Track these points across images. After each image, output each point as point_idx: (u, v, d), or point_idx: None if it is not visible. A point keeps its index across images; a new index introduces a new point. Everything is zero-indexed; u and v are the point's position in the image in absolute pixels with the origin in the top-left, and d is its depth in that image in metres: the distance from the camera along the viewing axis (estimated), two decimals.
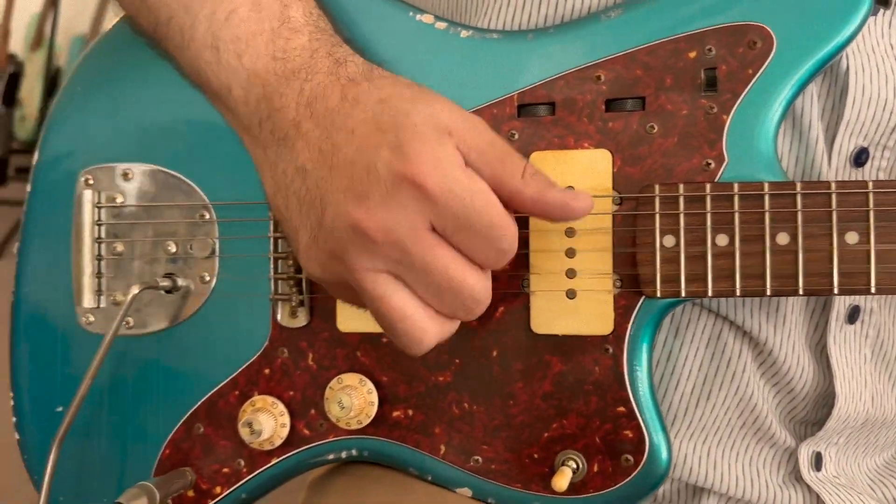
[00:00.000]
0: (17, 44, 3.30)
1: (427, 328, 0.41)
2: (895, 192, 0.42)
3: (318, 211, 0.41)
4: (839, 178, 0.48)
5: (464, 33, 0.49)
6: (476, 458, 0.49)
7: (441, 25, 0.50)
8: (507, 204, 0.40)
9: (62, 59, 3.20)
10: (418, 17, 0.50)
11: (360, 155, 0.39)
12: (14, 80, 2.76)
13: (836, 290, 0.43)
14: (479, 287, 0.41)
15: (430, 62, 0.49)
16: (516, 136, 0.48)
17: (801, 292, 0.43)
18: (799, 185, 0.43)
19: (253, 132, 0.46)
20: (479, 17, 0.51)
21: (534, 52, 0.48)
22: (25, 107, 3.14)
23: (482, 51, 0.49)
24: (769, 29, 0.45)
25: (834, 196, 0.43)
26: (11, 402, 0.57)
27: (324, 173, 0.41)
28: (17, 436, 0.57)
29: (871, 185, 0.42)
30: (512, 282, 0.48)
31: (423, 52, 0.49)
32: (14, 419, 0.57)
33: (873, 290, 0.42)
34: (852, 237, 0.43)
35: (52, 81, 3.10)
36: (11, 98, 2.81)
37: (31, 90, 3.12)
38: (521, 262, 0.47)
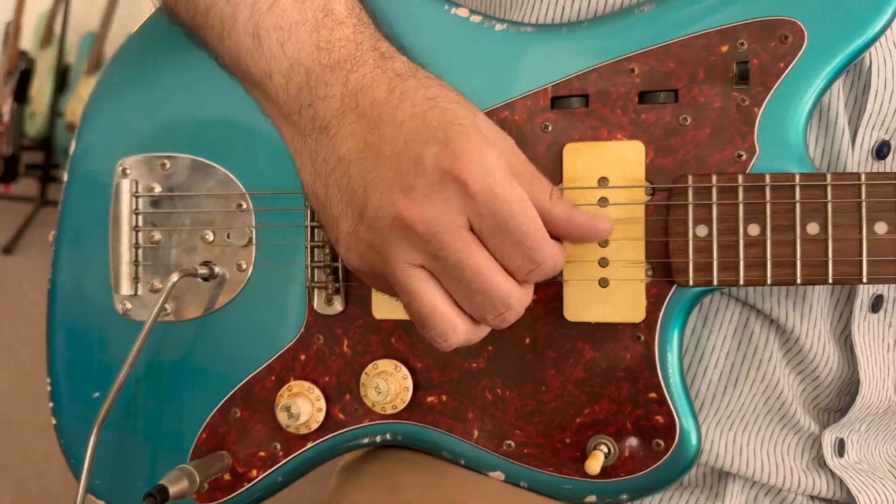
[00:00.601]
0: (27, 41, 3.31)
1: (456, 326, 0.42)
2: None
3: (361, 200, 0.42)
4: (861, 170, 0.49)
5: (498, 27, 0.50)
6: (509, 442, 0.50)
7: (476, 19, 0.51)
8: None
9: (72, 56, 3.21)
10: (453, 10, 0.51)
11: (408, 148, 0.40)
12: (25, 77, 2.77)
13: (864, 280, 0.44)
14: (509, 292, 0.41)
15: (465, 55, 0.50)
16: (550, 128, 0.49)
17: (830, 281, 0.44)
18: (829, 177, 0.44)
19: (293, 119, 0.47)
20: (515, 11, 0.52)
21: (568, 45, 0.49)
22: (35, 103, 3.15)
23: (516, 44, 0.50)
24: (800, 24, 0.46)
25: (864, 188, 0.44)
26: (49, 388, 0.58)
27: (369, 164, 0.42)
28: (53, 421, 0.58)
29: None
30: None
31: (459, 45, 0.50)
32: (51, 405, 0.58)
33: None
34: (881, 227, 0.44)
35: (62, 78, 3.11)
36: (23, 95, 2.82)
37: (40, 87, 3.13)
38: None
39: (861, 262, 0.44)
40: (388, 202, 0.40)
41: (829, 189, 0.44)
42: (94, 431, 0.51)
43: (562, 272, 0.48)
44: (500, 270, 0.41)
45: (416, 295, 0.41)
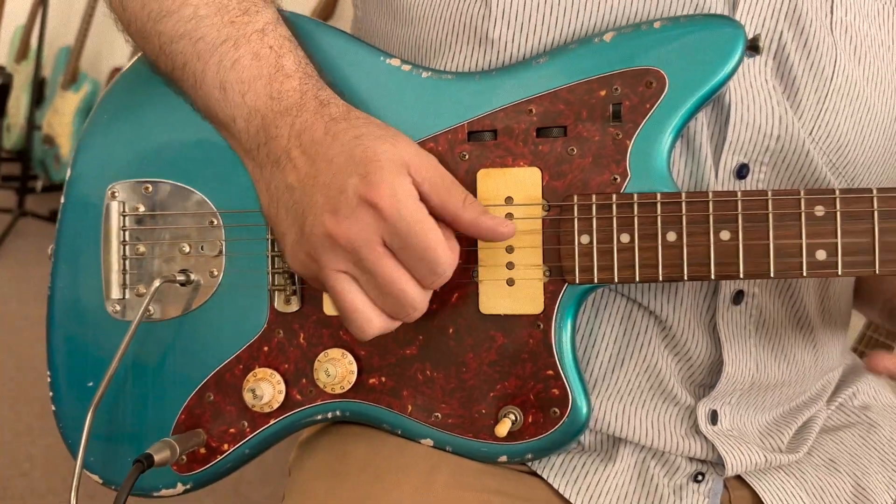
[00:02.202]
0: (3, 55, 3.37)
1: (371, 320, 0.53)
2: (758, 200, 0.55)
3: (301, 219, 0.53)
4: (725, 189, 0.60)
5: (424, 74, 0.61)
6: (436, 414, 0.61)
7: (406, 67, 0.62)
8: (451, 224, 0.52)
9: (48, 70, 3.28)
10: (388, 60, 0.62)
11: (336, 179, 0.51)
12: (3, 91, 2.84)
13: (713, 277, 0.55)
14: (415, 297, 0.52)
15: (398, 97, 0.61)
16: (467, 157, 0.60)
17: (685, 278, 0.55)
18: (684, 195, 0.55)
19: (252, 154, 0.57)
20: (438, 61, 0.63)
21: (480, 90, 0.60)
22: (12, 116, 3.22)
23: (439, 88, 0.61)
24: (663, 72, 0.57)
25: (711, 203, 0.55)
26: (49, 380, 0.68)
27: (307, 191, 0.52)
28: (52, 408, 0.68)
29: (739, 194, 0.55)
30: (464, 273, 0.59)
31: (393, 89, 0.61)
32: (51, 394, 0.68)
33: (741, 275, 0.55)
34: (725, 234, 0.55)
35: (38, 91, 3.18)
36: (2, 109, 2.89)
37: (17, 100, 3.20)
38: (472, 257, 0.59)
39: (710, 263, 0.55)
40: (320, 221, 0.51)
41: (683, 205, 0.55)
42: (91, 412, 0.61)
43: (477, 274, 0.59)
44: (408, 278, 0.51)
45: (340, 294, 0.52)
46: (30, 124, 3.11)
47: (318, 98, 0.55)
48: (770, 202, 0.54)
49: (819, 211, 0.53)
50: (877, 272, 0.53)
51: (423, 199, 0.51)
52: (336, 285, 0.52)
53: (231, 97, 0.56)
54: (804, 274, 0.54)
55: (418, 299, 0.52)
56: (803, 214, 0.53)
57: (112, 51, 3.14)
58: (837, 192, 0.53)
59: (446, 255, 0.51)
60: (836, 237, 0.53)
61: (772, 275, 0.54)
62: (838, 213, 0.53)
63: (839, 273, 0.53)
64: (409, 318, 0.53)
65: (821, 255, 0.53)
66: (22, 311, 2.55)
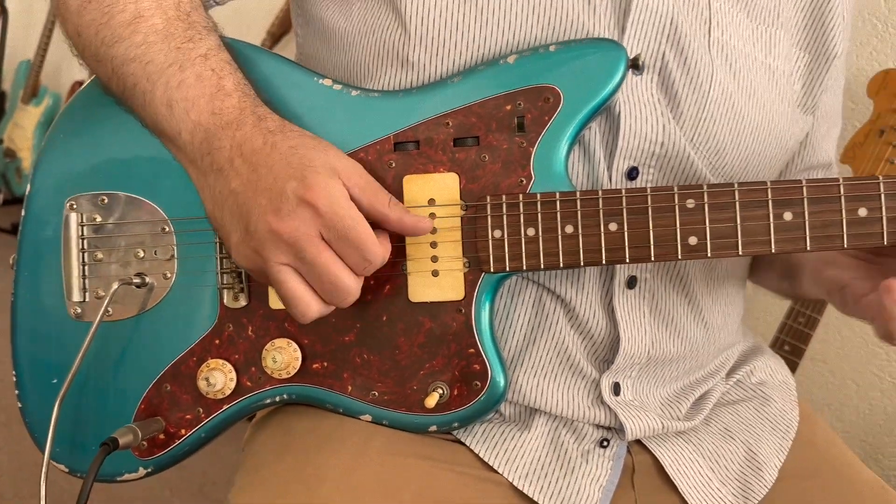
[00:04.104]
0: None
1: (311, 305, 0.60)
2: (639, 196, 0.64)
3: (245, 219, 0.60)
4: (618, 188, 0.70)
5: (353, 92, 0.69)
6: (374, 392, 0.68)
7: (337, 87, 0.70)
8: (379, 223, 0.60)
9: (7, 84, 3.25)
10: (321, 80, 0.70)
11: (276, 183, 0.58)
12: None
13: (604, 262, 0.64)
14: (348, 283, 0.59)
15: (329, 113, 0.69)
16: (393, 165, 0.68)
17: (582, 264, 0.65)
18: (578, 194, 0.65)
19: (196, 164, 0.64)
20: (367, 81, 0.71)
21: (403, 106, 0.68)
22: None
23: (367, 105, 0.69)
24: (558, 89, 0.66)
25: (601, 200, 0.65)
26: (14, 380, 0.73)
27: (250, 194, 0.60)
28: (19, 405, 0.73)
29: (624, 191, 0.64)
30: (395, 266, 0.68)
31: (324, 106, 0.69)
32: (17, 392, 0.73)
33: (627, 260, 0.64)
34: (613, 226, 0.64)
35: None
36: None
37: None
38: (401, 252, 0.67)
39: (601, 250, 0.65)
40: (264, 220, 0.58)
41: (578, 202, 0.65)
42: (57, 406, 0.67)
43: (406, 267, 0.68)
44: (343, 267, 0.59)
45: (283, 284, 0.60)
46: None
47: (256, 114, 0.63)
48: (649, 197, 0.64)
49: (690, 203, 0.63)
50: (740, 253, 0.63)
51: (353, 200, 0.59)
52: (279, 276, 0.59)
53: (177, 113, 0.63)
54: (679, 257, 0.63)
55: (351, 285, 0.60)
56: (677, 207, 0.63)
57: (72, 65, 3.13)
58: (705, 187, 0.63)
59: (375, 245, 0.59)
60: (705, 224, 0.63)
61: (652, 259, 0.64)
62: (706, 205, 0.63)
63: (708, 254, 0.63)
64: (344, 303, 0.61)
65: (693, 240, 0.63)
66: None
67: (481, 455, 0.70)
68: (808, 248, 0.62)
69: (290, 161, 0.59)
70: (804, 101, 0.78)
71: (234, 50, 0.69)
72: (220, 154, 0.62)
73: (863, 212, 0.62)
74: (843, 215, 0.62)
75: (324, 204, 0.57)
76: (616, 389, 0.73)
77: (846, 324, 1.54)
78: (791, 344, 1.36)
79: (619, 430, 0.73)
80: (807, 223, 0.62)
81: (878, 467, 1.57)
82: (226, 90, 0.64)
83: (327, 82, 0.70)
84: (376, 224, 0.62)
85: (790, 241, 0.62)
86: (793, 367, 1.37)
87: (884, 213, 0.61)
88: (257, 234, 0.59)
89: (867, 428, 1.57)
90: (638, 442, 0.74)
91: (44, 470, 0.65)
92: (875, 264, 0.70)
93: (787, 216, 0.62)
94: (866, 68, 1.41)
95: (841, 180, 0.62)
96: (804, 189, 0.62)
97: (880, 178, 0.62)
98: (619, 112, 0.69)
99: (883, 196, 0.61)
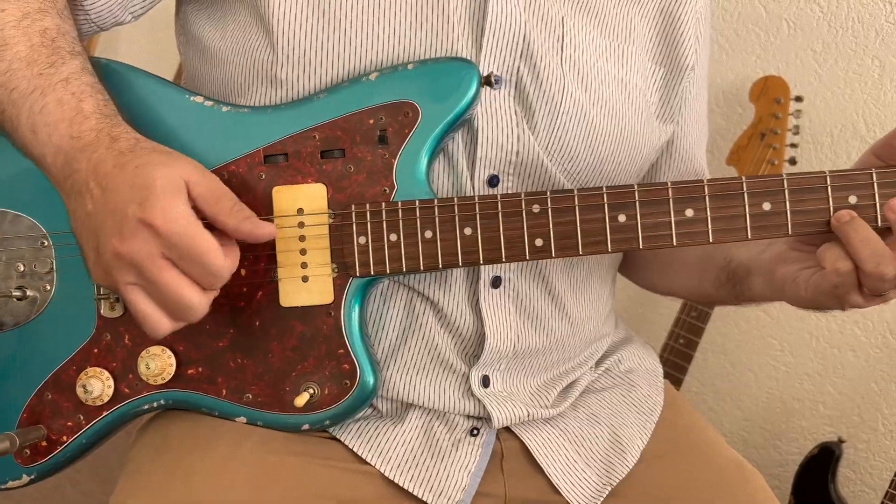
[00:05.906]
0: None
1: (161, 323, 0.62)
2: (491, 202, 0.69)
3: (96, 240, 0.63)
4: (472, 195, 0.74)
5: (224, 108, 0.73)
6: (248, 395, 0.72)
7: (209, 103, 0.73)
8: (223, 230, 0.63)
9: None
10: (192, 98, 0.73)
11: (119, 205, 0.60)
12: None
13: (460, 264, 0.69)
14: (192, 299, 0.61)
15: (200, 128, 0.72)
16: (263, 176, 0.71)
17: (440, 267, 0.69)
18: (436, 201, 0.69)
19: (61, 185, 0.66)
20: (240, 98, 0.74)
21: (273, 120, 0.72)
22: None
23: (237, 120, 0.72)
24: (416, 104, 0.70)
25: (456, 206, 0.69)
26: None
27: (100, 216, 0.62)
28: None
29: (477, 198, 0.69)
30: (266, 273, 0.71)
31: (195, 122, 0.72)
32: None
33: (482, 262, 0.69)
34: (468, 230, 0.69)
35: None
36: None
37: None
38: (272, 259, 0.71)
39: (457, 253, 0.69)
40: (110, 242, 0.61)
41: (436, 209, 0.69)
42: None
43: (277, 272, 0.71)
44: (188, 283, 0.61)
45: (132, 304, 0.62)
46: None
47: (111, 135, 0.65)
48: (499, 203, 0.68)
49: (536, 209, 0.68)
50: (580, 253, 0.68)
51: (198, 210, 0.62)
52: (128, 296, 0.62)
53: (41, 138, 0.65)
54: (527, 257, 0.68)
55: (195, 301, 0.61)
56: (524, 212, 0.68)
57: None
58: (549, 193, 0.68)
59: (218, 258, 0.61)
60: (549, 227, 0.68)
61: (504, 259, 0.68)
62: (549, 210, 0.68)
63: (553, 255, 0.68)
64: (192, 319, 0.63)
65: (539, 242, 0.68)
66: None
67: (355, 449, 0.74)
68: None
69: (134, 182, 0.61)
70: (661, 111, 0.84)
71: (105, 70, 0.72)
72: (78, 177, 0.64)
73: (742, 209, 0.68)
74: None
75: (161, 223, 0.59)
76: (486, 382, 0.78)
77: (743, 316, 1.62)
78: (685, 337, 1.44)
79: (487, 419, 0.78)
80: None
81: (776, 452, 1.66)
82: (84, 113, 0.66)
83: (199, 99, 0.73)
84: (221, 233, 0.64)
85: (638, 239, 0.68)
86: (688, 359, 1.45)
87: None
88: (105, 255, 0.61)
89: (766, 416, 1.66)
90: (507, 429, 0.79)
91: None
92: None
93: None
94: (752, 75, 1.50)
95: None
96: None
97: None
98: (478, 124, 0.73)
99: (707, 197, 0.68)
